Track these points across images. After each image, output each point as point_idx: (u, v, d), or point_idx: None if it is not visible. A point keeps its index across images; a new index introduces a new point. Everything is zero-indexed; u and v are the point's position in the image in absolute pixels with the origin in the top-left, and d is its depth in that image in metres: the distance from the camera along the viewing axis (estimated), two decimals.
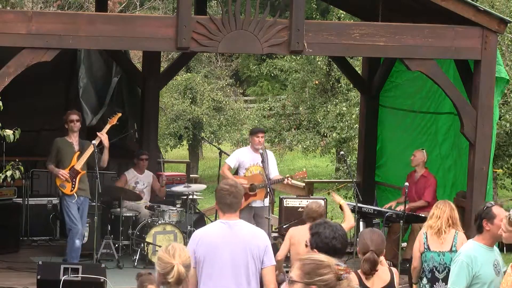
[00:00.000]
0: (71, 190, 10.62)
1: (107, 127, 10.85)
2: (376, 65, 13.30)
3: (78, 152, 10.74)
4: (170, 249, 4.46)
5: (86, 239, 11.17)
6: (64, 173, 10.59)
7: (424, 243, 8.34)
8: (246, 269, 5.87)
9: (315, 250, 4.98)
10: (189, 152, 25.98)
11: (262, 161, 11.26)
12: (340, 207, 9.59)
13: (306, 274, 3.82)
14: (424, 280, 8.35)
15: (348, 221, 9.02)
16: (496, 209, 6.39)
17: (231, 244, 5.89)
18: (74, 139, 10.80)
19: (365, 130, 13.56)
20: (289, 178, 11.66)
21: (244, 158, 11.39)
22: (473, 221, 6.56)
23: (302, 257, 3.90)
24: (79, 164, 10.69)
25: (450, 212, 8.39)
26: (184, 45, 9.74)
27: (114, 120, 10.98)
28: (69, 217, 10.60)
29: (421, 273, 8.40)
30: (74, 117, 10.82)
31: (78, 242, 10.58)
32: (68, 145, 10.76)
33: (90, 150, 10.66)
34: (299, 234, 8.03)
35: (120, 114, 11.20)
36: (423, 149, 11.87)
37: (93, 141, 10.65)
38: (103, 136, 10.68)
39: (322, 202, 12.24)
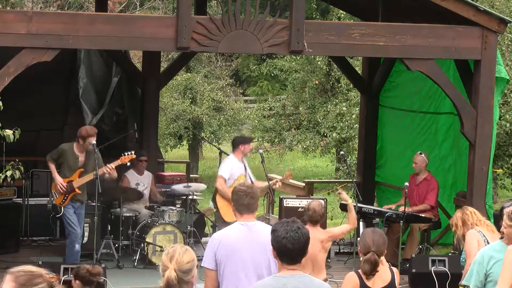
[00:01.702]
0: (61, 203, 10.58)
1: (117, 162, 10.69)
2: (376, 65, 13.29)
3: (82, 170, 10.62)
4: (170, 251, 4.47)
5: (86, 239, 11.17)
6: (62, 186, 10.52)
7: (485, 240, 7.96)
8: (268, 269, 5.89)
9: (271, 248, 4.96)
10: (189, 152, 25.95)
11: (262, 161, 11.28)
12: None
13: (22, 286, 3.98)
14: None
15: (352, 223, 8.93)
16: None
17: (251, 245, 5.92)
18: (80, 153, 10.63)
19: (365, 130, 13.55)
20: (278, 183, 11.39)
21: (235, 169, 10.99)
22: None
23: (13, 270, 4.01)
24: (77, 183, 10.57)
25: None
26: (184, 45, 9.73)
27: (126, 160, 10.82)
28: (67, 222, 10.58)
29: None
30: (92, 140, 10.49)
31: (78, 246, 10.56)
32: (73, 157, 10.62)
33: (90, 177, 10.51)
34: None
35: (133, 156, 10.96)
36: (421, 153, 11.72)
37: (93, 141, 10.57)
38: (112, 171, 10.54)
39: (322, 202, 12.31)
